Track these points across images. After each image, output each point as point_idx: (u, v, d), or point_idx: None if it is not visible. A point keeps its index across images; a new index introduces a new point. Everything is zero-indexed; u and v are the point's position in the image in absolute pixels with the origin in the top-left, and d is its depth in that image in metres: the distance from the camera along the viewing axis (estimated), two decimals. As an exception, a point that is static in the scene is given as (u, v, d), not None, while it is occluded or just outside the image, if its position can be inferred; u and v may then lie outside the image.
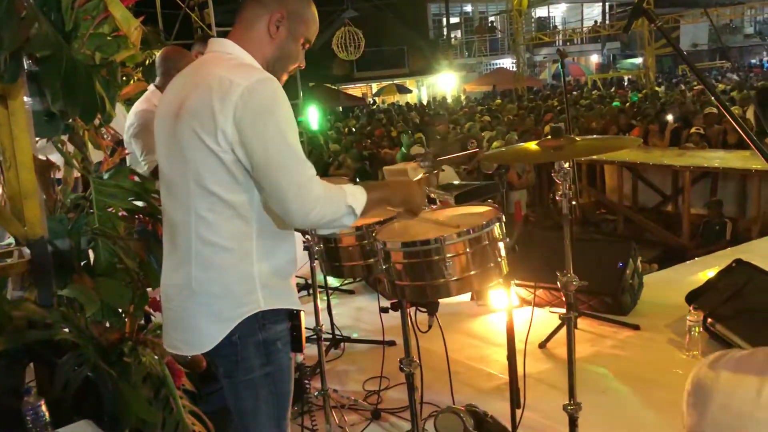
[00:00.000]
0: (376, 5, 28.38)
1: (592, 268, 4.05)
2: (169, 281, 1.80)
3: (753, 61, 32.84)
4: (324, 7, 25.37)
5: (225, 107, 1.61)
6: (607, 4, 32.95)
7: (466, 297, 4.56)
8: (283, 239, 1.78)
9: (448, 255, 1.98)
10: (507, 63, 31.59)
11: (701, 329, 3.42)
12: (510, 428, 2.46)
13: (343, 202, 1.70)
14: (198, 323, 1.71)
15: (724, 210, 9.13)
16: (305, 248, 2.79)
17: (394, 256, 2.05)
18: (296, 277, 4.89)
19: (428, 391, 2.96)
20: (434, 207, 2.32)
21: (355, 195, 1.73)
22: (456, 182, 4.56)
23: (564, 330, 3.91)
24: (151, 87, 3.62)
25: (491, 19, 34.81)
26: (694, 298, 3.63)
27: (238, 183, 1.67)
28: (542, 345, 3.76)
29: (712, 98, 2.03)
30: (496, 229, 2.05)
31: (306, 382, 3.11)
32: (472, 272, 2.02)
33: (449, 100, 26.22)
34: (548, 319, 3.96)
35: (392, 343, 3.81)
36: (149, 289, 2.60)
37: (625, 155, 11.33)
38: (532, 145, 2.21)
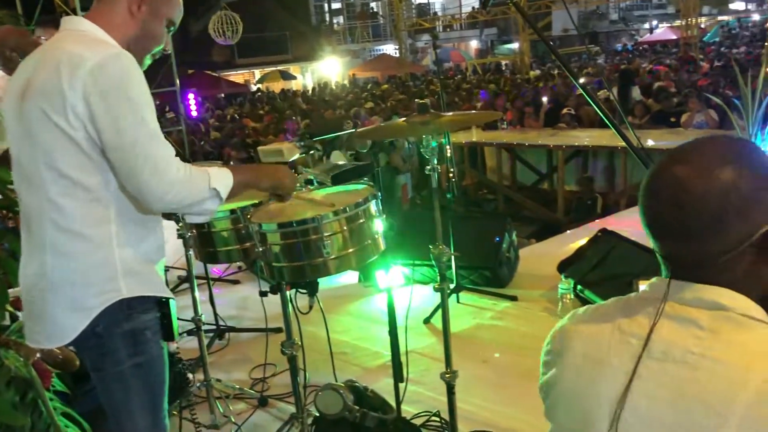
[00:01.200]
0: (256, -9, 27.81)
1: (471, 244, 4.20)
2: (26, 271, 1.69)
3: (619, 46, 34.90)
4: (203, -9, 24.60)
5: (74, 82, 1.52)
6: (483, -10, 33.94)
7: (353, 279, 4.60)
8: (146, 224, 1.70)
9: (326, 234, 1.98)
10: (390, 49, 31.90)
11: (572, 296, 3.62)
12: (394, 403, 2.51)
13: (206, 185, 1.63)
14: (56, 314, 1.62)
15: (595, 185, 9.71)
16: (179, 236, 2.71)
17: (271, 237, 2.03)
18: (175, 268, 4.76)
19: (315, 373, 2.97)
20: (310, 187, 2.31)
21: (220, 178, 1.66)
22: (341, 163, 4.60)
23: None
24: None
25: (372, 5, 35.00)
26: (564, 267, 3.84)
27: (92, 163, 1.58)
28: (426, 321, 3.85)
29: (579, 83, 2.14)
30: (372, 207, 2.07)
31: (189, 375, 3.03)
32: (350, 250, 2.03)
33: (334, 86, 26.21)
34: (433, 295, 4.06)
35: (279, 330, 3.77)
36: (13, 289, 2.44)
37: (502, 136, 11.80)
38: (400, 122, 2.25)
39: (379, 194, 2.10)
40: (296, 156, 2.26)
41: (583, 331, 1.12)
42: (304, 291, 2.24)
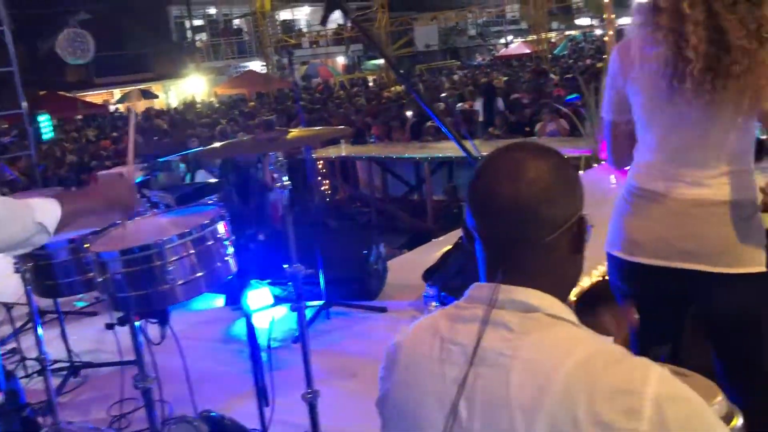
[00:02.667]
0: (112, 7, 26.59)
1: (339, 258, 4.21)
2: None
3: (480, 60, 36.54)
4: (52, 9, 23.19)
5: None
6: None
7: (220, 302, 4.46)
8: None
9: (171, 258, 1.90)
10: (257, 66, 31.56)
11: (437, 304, 3.70)
12: (259, 427, 2.43)
13: (30, 220, 1.48)
14: None
15: (460, 194, 10.06)
16: (16, 270, 2.50)
17: (112, 266, 1.91)
18: (22, 304, 4.41)
19: (179, 404, 2.83)
20: (156, 211, 2.21)
21: (45, 210, 1.51)
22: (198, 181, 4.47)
23: (318, 321, 4.05)
24: None
25: (236, 21, 34.50)
26: (429, 275, 3.92)
27: None
28: (296, 340, 3.79)
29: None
30: (220, 228, 2.01)
31: (38, 419, 2.81)
32: (199, 274, 1.95)
33: (199, 105, 25.55)
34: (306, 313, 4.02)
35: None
36: None
37: (372, 150, 12.01)
38: (246, 139, 2.21)
39: (227, 213, 2.04)
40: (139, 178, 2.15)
41: (409, 344, 1.13)
42: (155, 321, 2.13)
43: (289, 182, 2.09)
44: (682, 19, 1.71)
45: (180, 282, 1.91)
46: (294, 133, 2.13)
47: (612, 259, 2.03)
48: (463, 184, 10.45)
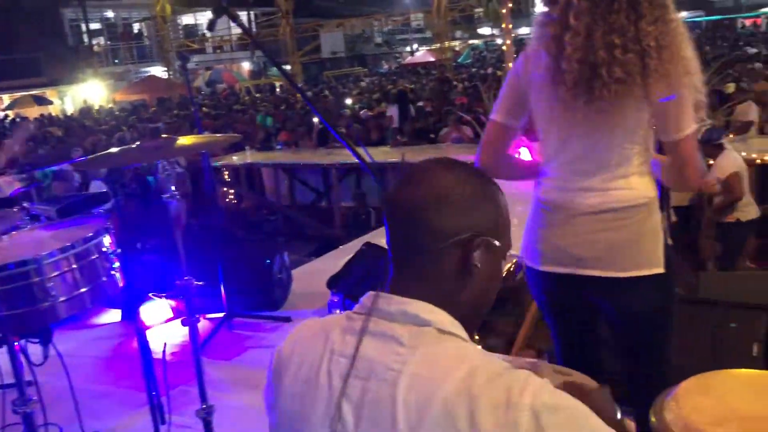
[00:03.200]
0: (1, 9, 25.11)
1: (242, 268, 4.13)
2: None
3: (386, 68, 36.90)
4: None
5: None
6: (252, 12, 33.92)
7: (116, 317, 4.27)
8: None
9: (51, 274, 1.79)
10: (158, 71, 30.61)
11: (340, 311, 3.68)
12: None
13: None
14: None
15: (368, 200, 10.09)
16: None
17: (-16, 284, 1.78)
18: None
19: (69, 427, 2.69)
20: (36, 224, 2.08)
21: None
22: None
23: (221, 334, 3.94)
24: None
25: (136, 25, 33.36)
26: (333, 283, 3.89)
27: None
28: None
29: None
30: (105, 240, 1.91)
31: None
32: (83, 289, 1.85)
33: (97, 111, 24.48)
34: (207, 326, 3.91)
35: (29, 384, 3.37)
36: None
37: (279, 157, 11.87)
38: (131, 148, 2.11)
39: (115, 225, 1.94)
40: (15, 188, 2.01)
41: (298, 350, 1.12)
42: (36, 340, 2.00)
43: (177, 192, 2.01)
44: (565, 29, 1.78)
45: (62, 299, 1.81)
46: (182, 140, 2.06)
47: (527, 270, 2.08)
48: (371, 191, 10.49)
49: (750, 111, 7.61)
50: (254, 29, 32.21)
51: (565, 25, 1.78)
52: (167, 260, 4.11)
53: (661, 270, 1.92)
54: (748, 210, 5.45)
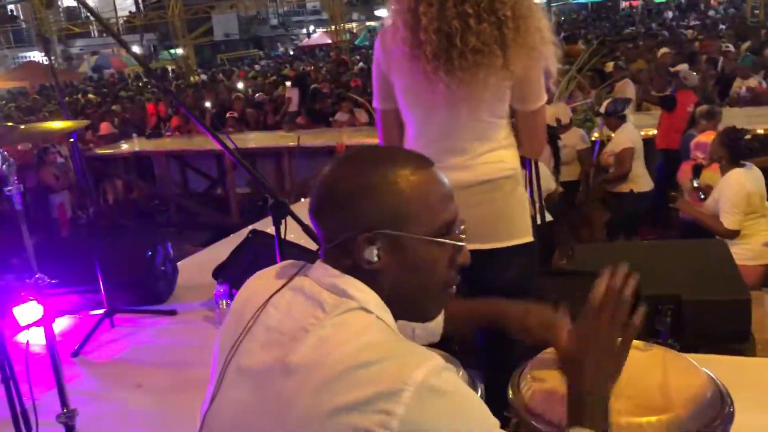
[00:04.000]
0: None
1: (123, 262, 3.95)
2: None
3: (281, 51, 36.26)
4: None
5: None
6: (138, -6, 32.53)
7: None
8: None
9: None
10: (39, 56, 28.81)
11: (228, 301, 3.58)
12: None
13: None
14: None
15: (264, 186, 9.91)
16: None
17: None
18: None
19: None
20: None
21: None
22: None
23: (102, 331, 3.76)
24: None
25: (10, 7, 31.20)
26: (219, 272, 3.79)
27: None
28: (75, 353, 3.49)
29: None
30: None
31: None
32: None
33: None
34: (88, 323, 3.73)
35: None
36: None
37: (169, 144, 11.46)
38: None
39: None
40: None
41: (248, 284, 1.24)
42: None
43: (20, 185, 1.87)
44: (419, 0, 1.77)
45: None
46: (24, 128, 1.91)
47: None
48: (266, 177, 10.32)
49: (627, 89, 7.99)
50: (142, 10, 30.90)
51: None
52: (54, 254, 3.89)
53: (531, 239, 1.97)
54: (641, 182, 5.69)
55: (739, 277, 3.01)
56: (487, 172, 1.93)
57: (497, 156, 1.94)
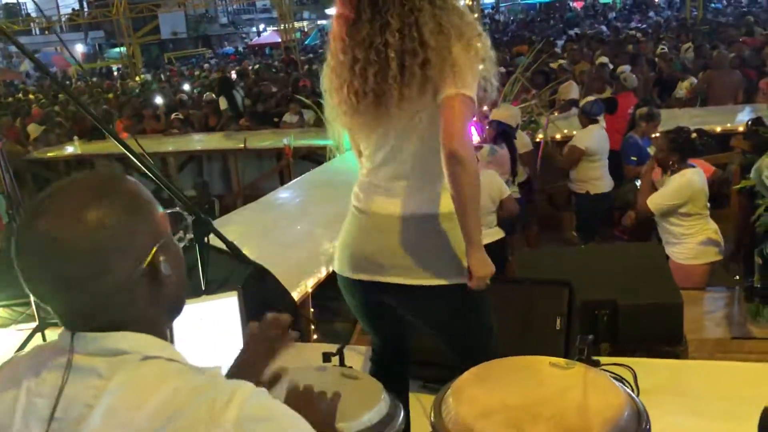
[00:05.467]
0: None
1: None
2: None
3: (230, 49, 35.79)
4: None
5: None
6: (82, -10, 31.66)
7: None
8: None
9: None
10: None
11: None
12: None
13: None
14: None
15: (211, 189, 9.75)
16: None
17: None
18: None
19: None
20: None
21: None
22: None
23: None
24: None
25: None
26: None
27: None
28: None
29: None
30: None
31: None
32: None
33: None
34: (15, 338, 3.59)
35: None
36: None
37: (111, 147, 11.14)
38: None
39: None
40: None
41: None
42: None
43: None
44: (353, 45, 1.75)
45: None
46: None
47: (340, 280, 2.02)
48: (214, 179, 10.15)
49: (571, 90, 8.12)
50: (86, 9, 30.13)
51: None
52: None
53: (442, 282, 1.86)
54: (599, 184, 5.71)
55: (671, 281, 3.07)
56: (413, 207, 1.90)
57: (425, 192, 1.91)
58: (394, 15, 1.70)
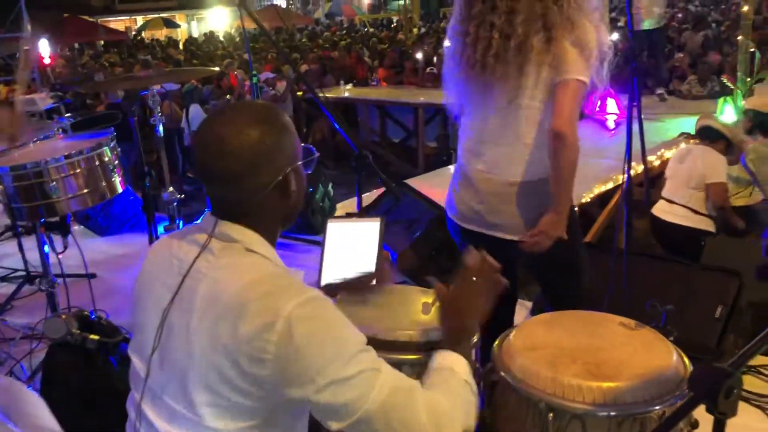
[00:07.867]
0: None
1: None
2: None
3: None
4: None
5: None
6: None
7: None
8: None
9: (58, 176, 2.16)
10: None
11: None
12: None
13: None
14: None
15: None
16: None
17: (5, 179, 2.18)
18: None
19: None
20: (61, 134, 2.46)
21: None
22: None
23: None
24: None
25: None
26: (365, 212, 4.16)
27: None
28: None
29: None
30: (107, 152, 2.26)
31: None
32: (85, 191, 2.22)
33: (222, 37, 25.50)
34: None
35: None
36: None
37: (373, 93, 12.09)
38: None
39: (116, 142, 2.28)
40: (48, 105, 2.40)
41: (155, 248, 1.40)
42: (58, 232, 2.41)
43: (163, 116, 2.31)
44: (468, 17, 1.98)
45: (68, 196, 2.19)
46: (168, 70, 2.34)
47: (448, 219, 2.31)
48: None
49: None
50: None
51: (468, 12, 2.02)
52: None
53: None
54: None
55: None
56: (518, 173, 2.12)
57: (526, 156, 2.12)
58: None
